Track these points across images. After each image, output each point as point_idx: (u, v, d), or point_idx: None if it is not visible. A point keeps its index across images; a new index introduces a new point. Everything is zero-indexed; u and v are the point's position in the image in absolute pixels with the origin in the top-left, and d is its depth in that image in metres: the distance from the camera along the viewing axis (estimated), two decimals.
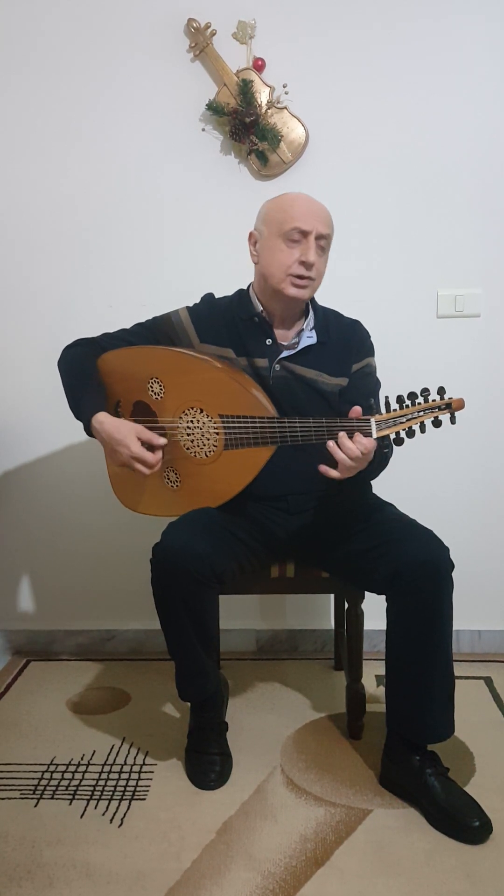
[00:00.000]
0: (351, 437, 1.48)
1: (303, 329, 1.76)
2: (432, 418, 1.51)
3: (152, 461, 1.64)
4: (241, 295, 1.81)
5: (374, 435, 1.48)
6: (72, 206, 2.25)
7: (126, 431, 1.64)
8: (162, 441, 1.66)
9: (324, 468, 1.51)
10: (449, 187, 2.18)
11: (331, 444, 1.50)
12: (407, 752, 1.61)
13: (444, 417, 1.53)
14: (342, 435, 1.49)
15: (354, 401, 1.70)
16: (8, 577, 2.45)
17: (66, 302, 2.28)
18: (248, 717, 1.98)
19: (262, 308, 1.76)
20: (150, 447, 1.65)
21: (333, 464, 1.50)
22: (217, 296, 1.86)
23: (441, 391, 1.53)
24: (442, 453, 2.25)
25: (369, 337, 1.84)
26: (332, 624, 2.36)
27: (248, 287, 1.81)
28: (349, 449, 1.47)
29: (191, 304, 1.84)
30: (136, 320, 1.86)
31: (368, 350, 1.82)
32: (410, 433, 1.50)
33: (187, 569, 1.56)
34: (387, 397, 1.51)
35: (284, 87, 2.13)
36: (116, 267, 2.26)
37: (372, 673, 2.13)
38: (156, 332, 1.81)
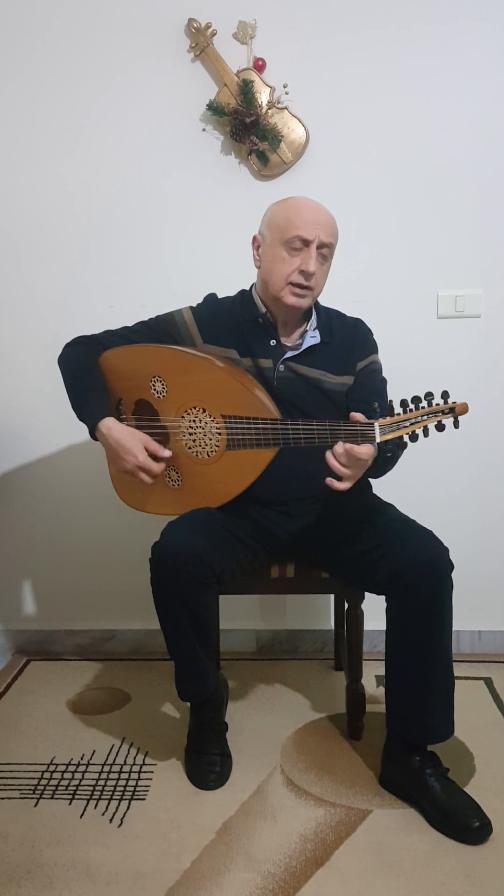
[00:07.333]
0: (357, 442, 1.47)
1: (306, 330, 1.76)
2: (436, 422, 1.50)
3: (157, 471, 1.66)
4: (245, 296, 1.81)
5: (378, 439, 1.46)
6: (72, 207, 2.25)
7: (135, 441, 1.66)
8: (167, 453, 1.68)
9: (330, 482, 1.49)
10: (449, 187, 2.18)
11: (328, 454, 1.49)
12: (407, 753, 1.61)
13: (448, 421, 1.51)
14: (338, 444, 1.48)
15: (364, 399, 1.70)
16: (8, 577, 2.45)
17: (66, 303, 2.28)
18: (248, 718, 1.98)
19: (265, 310, 1.75)
20: (155, 457, 1.67)
21: (334, 474, 1.50)
22: (220, 296, 1.86)
23: (445, 395, 1.51)
24: (442, 453, 2.25)
25: (372, 334, 1.84)
26: (331, 624, 2.36)
27: (251, 288, 1.81)
28: (341, 456, 1.47)
29: (194, 305, 1.84)
30: (136, 321, 1.85)
31: (372, 347, 1.82)
32: (414, 437, 1.48)
33: (187, 568, 1.56)
34: (390, 401, 1.49)
35: (285, 87, 2.13)
36: (117, 267, 2.26)
37: (372, 673, 2.13)
38: (159, 331, 1.81)
